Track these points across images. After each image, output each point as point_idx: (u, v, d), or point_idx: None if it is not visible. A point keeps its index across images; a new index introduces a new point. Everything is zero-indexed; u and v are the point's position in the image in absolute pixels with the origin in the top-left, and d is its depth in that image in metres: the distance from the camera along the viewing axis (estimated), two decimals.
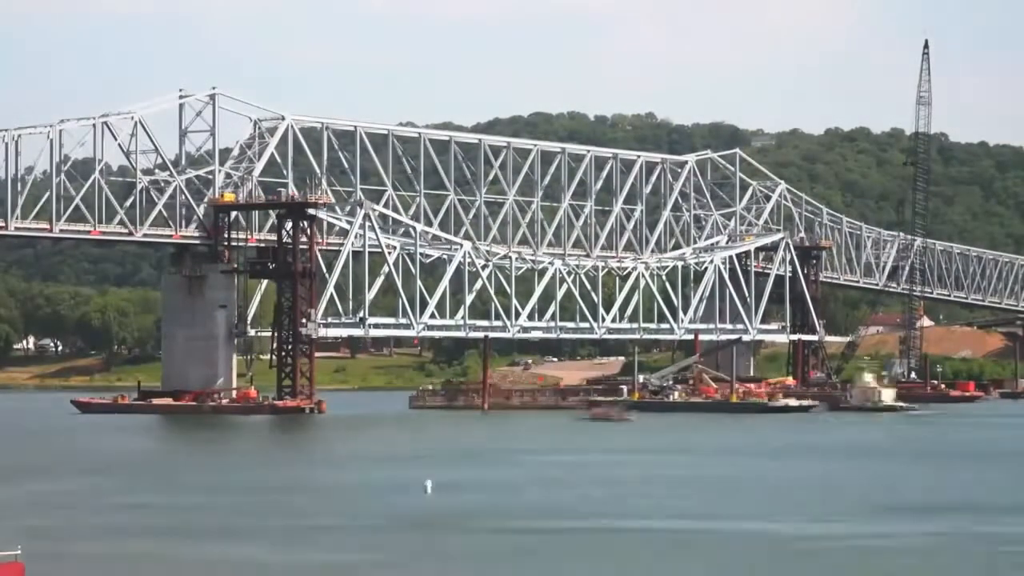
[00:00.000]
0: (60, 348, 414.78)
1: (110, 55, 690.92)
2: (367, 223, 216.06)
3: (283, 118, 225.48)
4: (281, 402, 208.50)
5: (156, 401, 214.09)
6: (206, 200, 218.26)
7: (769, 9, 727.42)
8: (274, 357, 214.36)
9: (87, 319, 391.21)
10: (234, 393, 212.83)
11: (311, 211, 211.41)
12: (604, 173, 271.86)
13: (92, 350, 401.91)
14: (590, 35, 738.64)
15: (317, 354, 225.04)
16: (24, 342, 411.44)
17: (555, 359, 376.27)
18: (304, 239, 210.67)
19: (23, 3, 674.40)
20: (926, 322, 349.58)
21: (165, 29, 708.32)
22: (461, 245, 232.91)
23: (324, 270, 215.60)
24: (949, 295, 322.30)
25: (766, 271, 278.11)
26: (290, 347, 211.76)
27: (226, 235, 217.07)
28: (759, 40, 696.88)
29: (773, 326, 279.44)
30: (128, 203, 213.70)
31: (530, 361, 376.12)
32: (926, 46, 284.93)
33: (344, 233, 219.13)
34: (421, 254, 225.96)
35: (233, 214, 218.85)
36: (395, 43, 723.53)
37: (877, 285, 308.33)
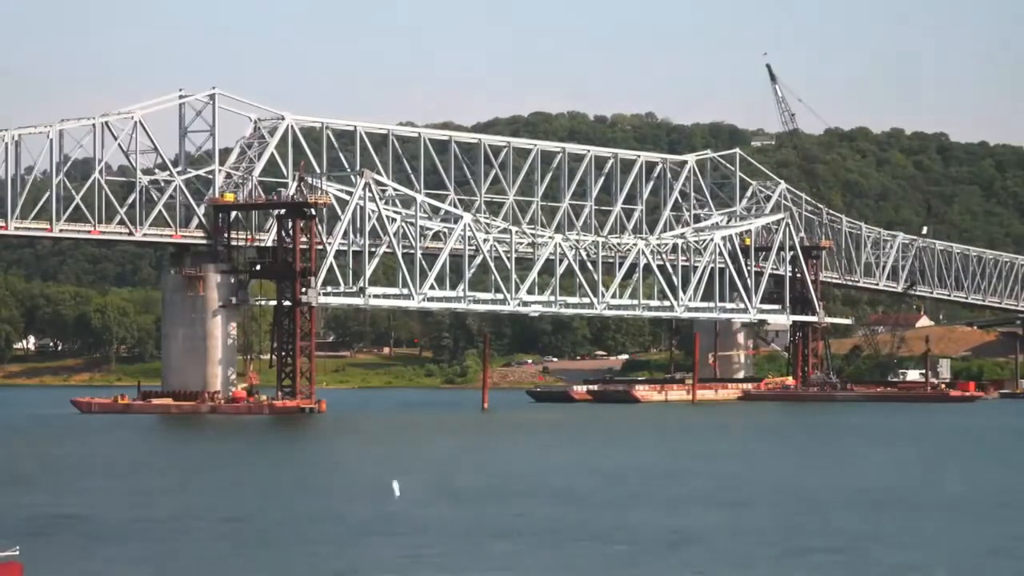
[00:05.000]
0: (60, 348, 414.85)
1: (110, 55, 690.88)
2: (367, 192, 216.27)
3: (283, 118, 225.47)
4: (281, 402, 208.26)
5: (155, 401, 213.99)
6: (206, 200, 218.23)
7: (769, 9, 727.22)
8: (274, 357, 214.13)
9: (87, 319, 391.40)
10: (231, 392, 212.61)
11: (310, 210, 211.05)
12: (604, 173, 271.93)
13: (92, 350, 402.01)
14: (591, 35, 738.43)
15: (316, 354, 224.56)
16: (24, 342, 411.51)
17: (555, 359, 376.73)
18: (304, 239, 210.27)
19: (23, 3, 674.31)
20: (926, 322, 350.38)
21: (165, 29, 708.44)
22: (461, 216, 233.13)
23: (323, 237, 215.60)
24: (949, 295, 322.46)
25: (763, 270, 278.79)
26: (291, 347, 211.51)
27: (226, 235, 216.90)
28: (759, 40, 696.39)
29: (773, 306, 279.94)
30: (128, 203, 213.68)
31: (529, 361, 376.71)
32: (772, 75, 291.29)
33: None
34: (422, 227, 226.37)
35: (233, 214, 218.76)
36: (396, 43, 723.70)
37: (877, 285, 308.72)
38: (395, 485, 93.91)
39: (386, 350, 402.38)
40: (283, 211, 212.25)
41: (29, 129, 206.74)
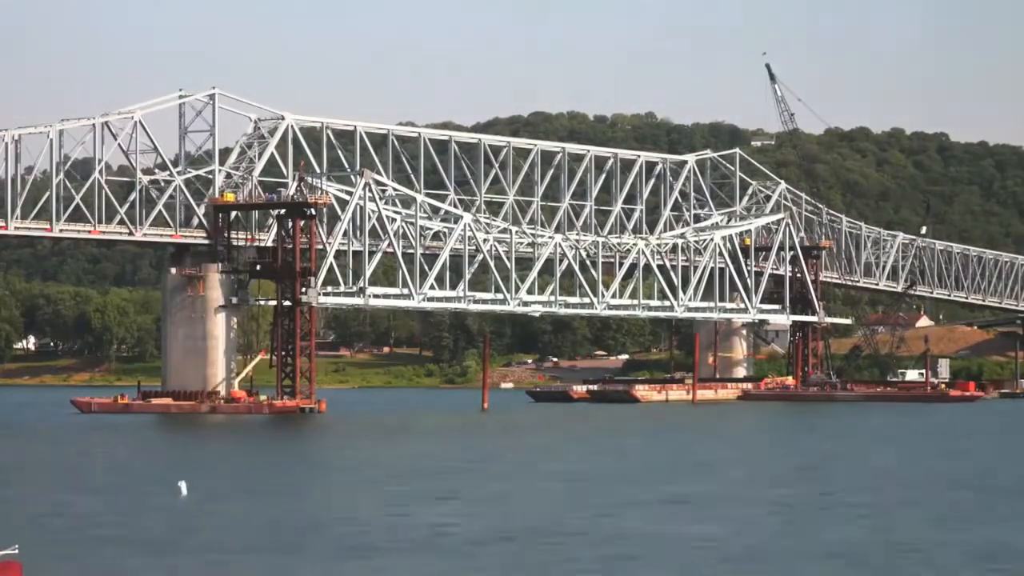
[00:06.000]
0: (60, 348, 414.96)
1: (110, 55, 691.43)
2: (367, 192, 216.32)
3: (283, 118, 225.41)
4: (280, 402, 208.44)
5: (155, 401, 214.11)
6: (206, 200, 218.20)
7: (769, 9, 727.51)
8: (274, 357, 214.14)
9: (87, 319, 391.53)
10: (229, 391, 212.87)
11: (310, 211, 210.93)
12: (604, 173, 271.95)
13: (92, 350, 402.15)
14: (591, 35, 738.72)
15: (316, 353, 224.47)
16: (24, 342, 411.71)
17: (555, 359, 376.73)
18: (304, 239, 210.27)
19: (23, 3, 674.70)
20: (926, 322, 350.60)
21: (165, 29, 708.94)
22: (461, 216, 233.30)
23: (323, 236, 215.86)
24: (949, 295, 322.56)
25: (763, 270, 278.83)
26: (291, 347, 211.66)
27: (226, 235, 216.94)
28: (759, 40, 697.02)
29: (773, 306, 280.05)
30: (128, 203, 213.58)
31: (529, 361, 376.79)
32: (771, 75, 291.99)
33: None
34: (422, 227, 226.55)
35: (233, 214, 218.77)
36: (397, 43, 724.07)
37: (877, 285, 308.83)
38: (182, 485, 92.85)
39: (386, 350, 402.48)
40: (283, 211, 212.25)
41: (29, 129, 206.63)
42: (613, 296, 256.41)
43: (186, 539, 73.97)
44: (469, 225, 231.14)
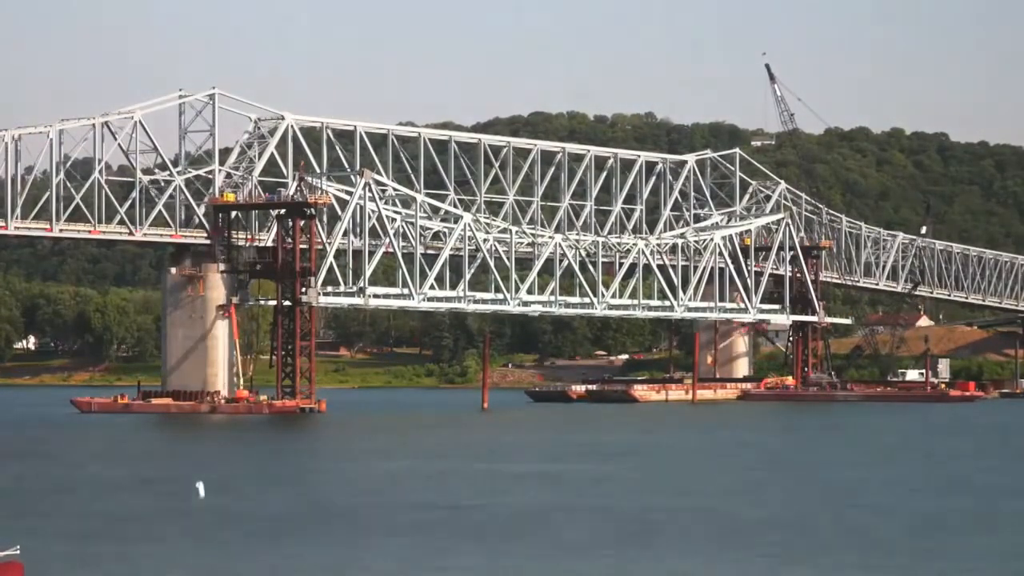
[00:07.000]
0: (60, 348, 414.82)
1: (110, 55, 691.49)
2: (367, 192, 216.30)
3: (283, 118, 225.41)
4: (280, 402, 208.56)
5: (155, 401, 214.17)
6: (206, 200, 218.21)
7: (769, 9, 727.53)
8: (274, 357, 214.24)
9: (87, 319, 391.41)
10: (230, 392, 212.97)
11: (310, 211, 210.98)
12: (604, 173, 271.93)
13: (92, 350, 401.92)
14: (591, 35, 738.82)
15: (316, 353, 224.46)
16: (24, 342, 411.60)
17: (555, 359, 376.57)
18: (304, 239, 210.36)
19: (23, 3, 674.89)
20: (926, 322, 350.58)
21: (165, 29, 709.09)
22: (461, 216, 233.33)
23: (323, 236, 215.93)
24: (949, 295, 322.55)
25: (763, 270, 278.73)
26: (291, 347, 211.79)
27: (226, 235, 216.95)
28: (759, 40, 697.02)
29: (773, 306, 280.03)
30: (128, 203, 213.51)
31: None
32: (771, 75, 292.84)
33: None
34: (422, 227, 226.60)
35: (233, 214, 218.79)
36: (397, 42, 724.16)
37: (877, 285, 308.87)
38: (199, 486, 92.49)
39: (386, 350, 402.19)
40: (283, 211, 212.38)
41: (29, 129, 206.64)
42: (613, 296, 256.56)
43: (190, 536, 74.00)
44: (469, 225, 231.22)
